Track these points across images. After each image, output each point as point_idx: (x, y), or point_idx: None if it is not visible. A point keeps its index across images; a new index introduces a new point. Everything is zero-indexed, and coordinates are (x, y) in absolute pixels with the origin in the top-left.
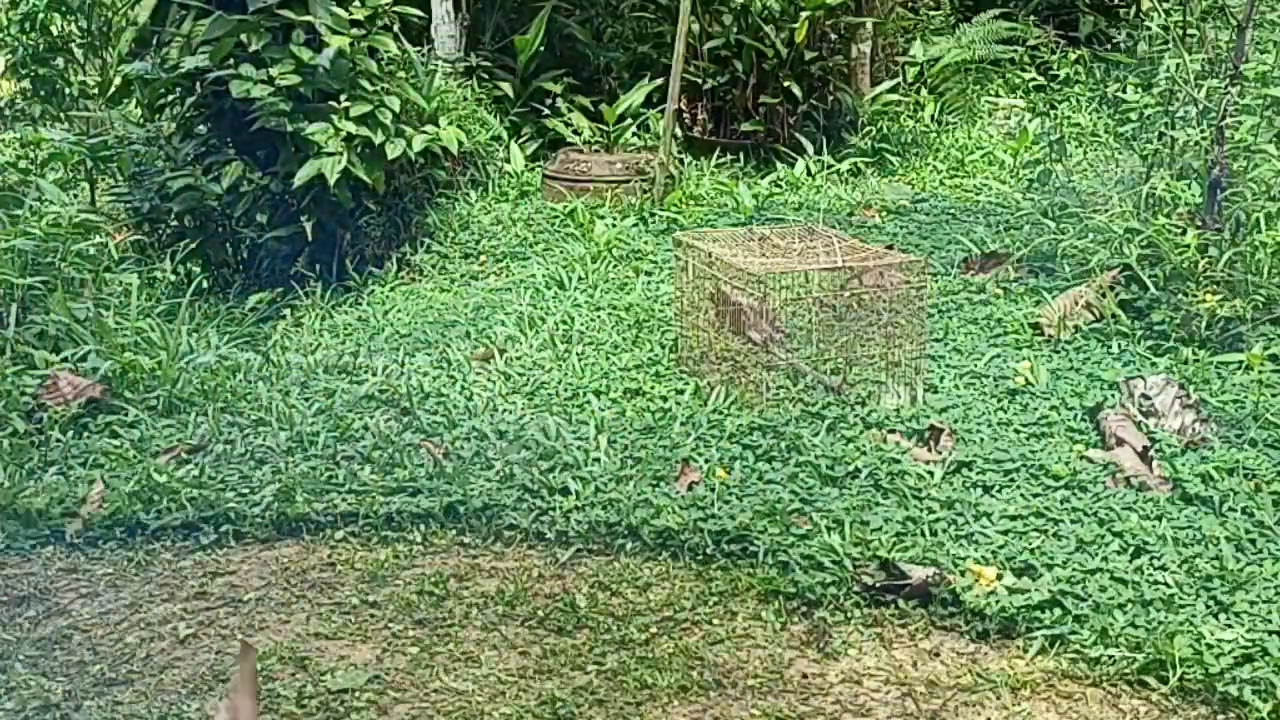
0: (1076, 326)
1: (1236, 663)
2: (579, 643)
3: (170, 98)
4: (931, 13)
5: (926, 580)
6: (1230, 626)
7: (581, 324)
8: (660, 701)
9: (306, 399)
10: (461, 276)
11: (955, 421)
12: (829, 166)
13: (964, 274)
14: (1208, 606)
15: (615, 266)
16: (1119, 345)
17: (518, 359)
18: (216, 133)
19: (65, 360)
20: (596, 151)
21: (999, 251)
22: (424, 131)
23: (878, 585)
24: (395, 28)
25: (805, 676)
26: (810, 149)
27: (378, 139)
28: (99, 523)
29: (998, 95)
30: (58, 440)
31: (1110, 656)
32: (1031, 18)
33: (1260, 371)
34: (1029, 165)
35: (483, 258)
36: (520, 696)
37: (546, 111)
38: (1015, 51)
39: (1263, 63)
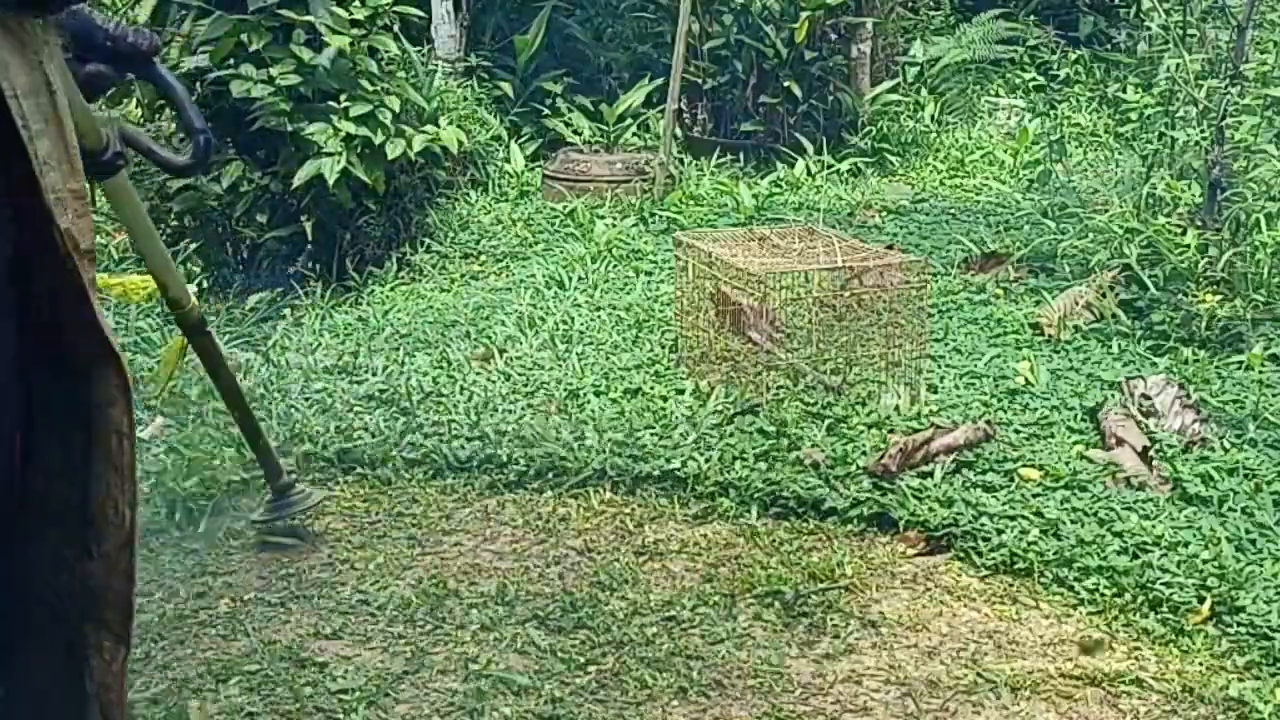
0: (1076, 326)
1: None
2: (579, 642)
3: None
4: (931, 13)
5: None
6: (1230, 626)
7: (581, 324)
8: (660, 701)
9: (306, 399)
10: (461, 276)
11: (954, 422)
12: (829, 166)
13: (964, 274)
14: (1212, 610)
15: (615, 266)
16: (1119, 345)
17: (518, 359)
18: (216, 133)
19: None
20: (596, 151)
21: (999, 251)
22: (424, 131)
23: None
24: (395, 28)
25: (805, 676)
26: (810, 149)
27: (377, 139)
28: None
29: (998, 95)
30: None
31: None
32: (1031, 18)
33: (1260, 371)
34: (1029, 165)
35: (483, 258)
36: (520, 696)
37: (546, 111)
38: (1015, 51)
39: (1263, 63)
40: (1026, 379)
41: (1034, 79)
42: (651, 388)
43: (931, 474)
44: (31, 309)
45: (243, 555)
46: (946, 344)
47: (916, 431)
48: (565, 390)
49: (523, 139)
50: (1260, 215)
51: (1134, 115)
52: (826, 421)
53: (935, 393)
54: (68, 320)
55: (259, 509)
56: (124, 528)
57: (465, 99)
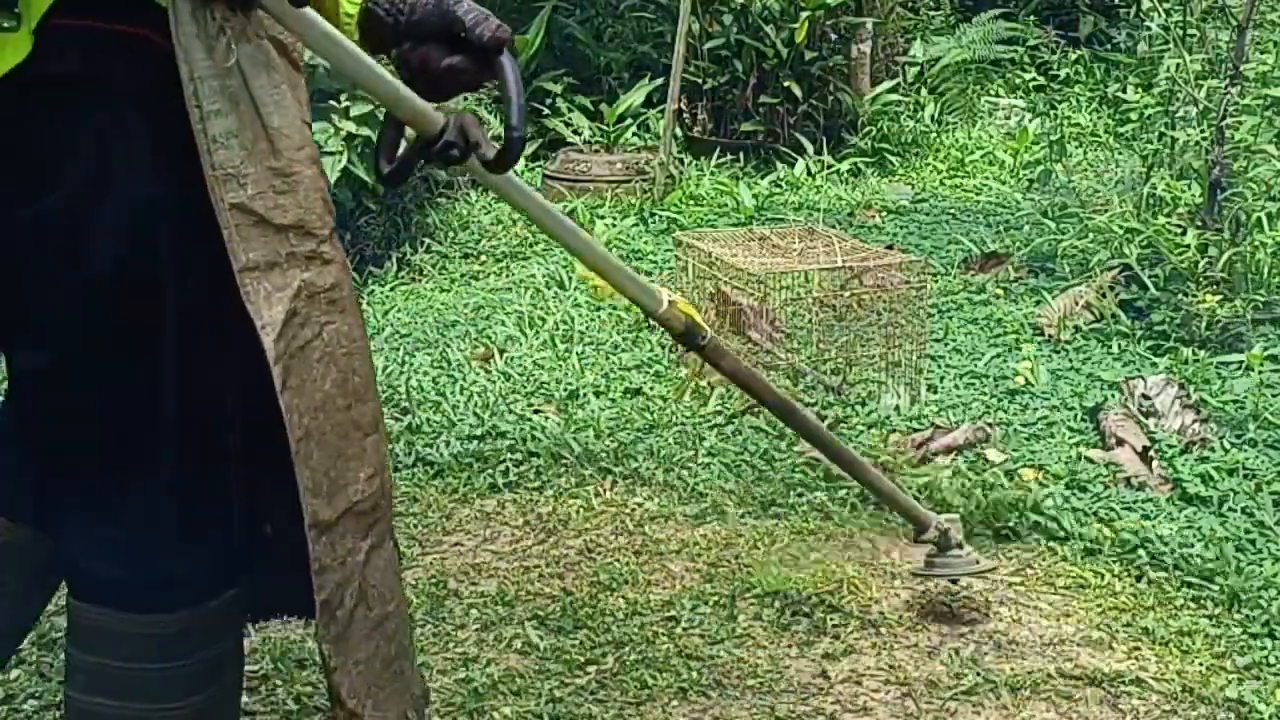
0: (1076, 326)
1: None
2: (579, 643)
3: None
4: (931, 13)
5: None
6: (1230, 627)
7: (581, 324)
8: (660, 701)
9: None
10: (461, 276)
11: (957, 422)
12: (829, 166)
13: (964, 274)
14: (1210, 610)
15: None
16: (1119, 345)
17: (518, 359)
18: None
19: None
20: (596, 151)
21: (999, 251)
22: None
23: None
24: None
25: (805, 676)
26: (810, 149)
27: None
28: None
29: (998, 95)
30: None
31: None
32: (1031, 18)
33: (1260, 371)
34: (1029, 165)
35: (483, 258)
36: (520, 696)
37: (546, 111)
38: (1015, 51)
39: (1263, 63)
40: (1026, 379)
41: (1034, 79)
42: (651, 388)
43: (930, 474)
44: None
45: None
46: (946, 344)
47: (916, 431)
48: (565, 390)
49: None
50: (1260, 215)
51: (1134, 115)
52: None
53: (935, 393)
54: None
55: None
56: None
57: (465, 99)
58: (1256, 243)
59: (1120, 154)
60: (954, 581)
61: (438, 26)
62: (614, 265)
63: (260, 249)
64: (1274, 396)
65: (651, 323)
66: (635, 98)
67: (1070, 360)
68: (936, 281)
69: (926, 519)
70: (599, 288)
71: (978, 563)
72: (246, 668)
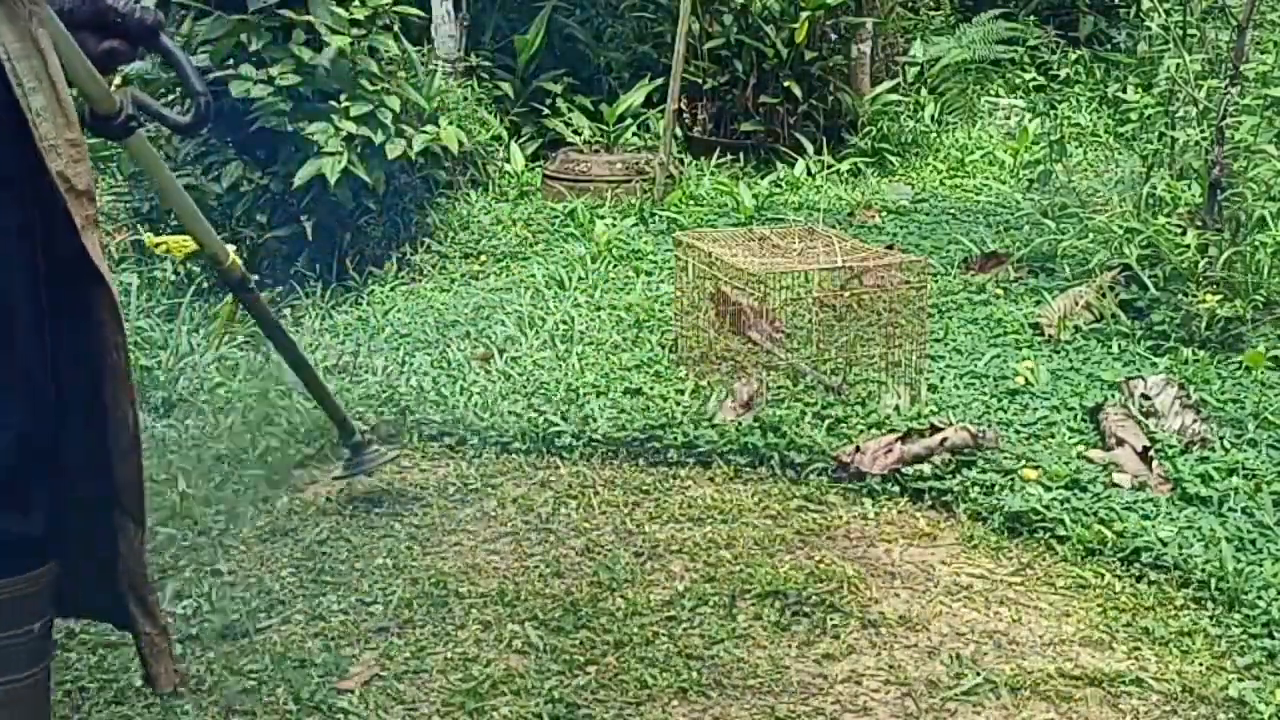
0: (1076, 326)
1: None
2: (579, 643)
3: (170, 97)
4: (931, 13)
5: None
6: (1230, 626)
7: (581, 324)
8: (660, 701)
9: (306, 399)
10: (461, 276)
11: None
12: (829, 166)
13: (964, 274)
14: (1210, 610)
15: (615, 266)
16: (1119, 345)
17: (517, 359)
18: (216, 132)
19: None
20: (596, 151)
21: (999, 251)
22: (424, 131)
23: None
24: (395, 28)
25: (805, 676)
26: (810, 149)
27: (378, 139)
28: None
29: (998, 95)
30: None
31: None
32: (1031, 18)
33: (1260, 372)
34: (1029, 165)
35: (483, 258)
36: (520, 696)
37: (546, 111)
38: (1015, 51)
39: (1263, 63)
40: (1026, 379)
41: (1034, 79)
42: (651, 388)
43: (923, 475)
44: (43, 244)
45: (242, 555)
46: (946, 344)
47: (893, 433)
48: (565, 390)
49: (523, 139)
50: (1260, 215)
51: (1134, 115)
52: (826, 422)
53: (935, 392)
54: (66, 250)
55: (337, 468)
56: (130, 427)
57: (465, 99)
58: (1256, 243)
59: (1120, 154)
60: (370, 474)
61: (89, 16)
62: (205, 227)
63: (78, 212)
64: (1274, 396)
65: (651, 323)
66: (635, 98)
67: (1070, 360)
68: (936, 281)
69: (353, 427)
70: (171, 248)
71: (385, 455)
72: (245, 667)
